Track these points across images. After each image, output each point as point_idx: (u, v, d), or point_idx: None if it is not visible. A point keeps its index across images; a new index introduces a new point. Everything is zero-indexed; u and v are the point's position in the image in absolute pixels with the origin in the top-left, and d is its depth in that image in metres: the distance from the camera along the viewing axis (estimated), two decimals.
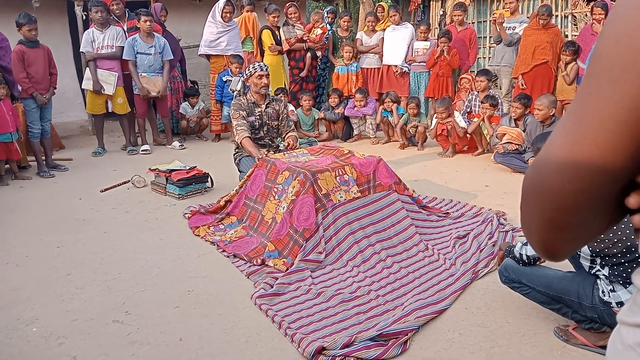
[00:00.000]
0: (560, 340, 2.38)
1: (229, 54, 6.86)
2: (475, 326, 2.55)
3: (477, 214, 3.94)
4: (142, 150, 6.44)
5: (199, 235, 3.75)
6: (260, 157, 4.04)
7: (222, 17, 6.82)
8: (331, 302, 2.78)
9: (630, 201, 0.59)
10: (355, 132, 6.95)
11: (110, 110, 6.41)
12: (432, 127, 6.07)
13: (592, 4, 6.62)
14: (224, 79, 6.76)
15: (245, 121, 4.42)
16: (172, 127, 7.14)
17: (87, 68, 6.28)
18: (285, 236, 3.39)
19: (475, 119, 5.78)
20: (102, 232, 3.88)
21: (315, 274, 3.12)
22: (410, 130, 6.40)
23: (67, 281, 3.11)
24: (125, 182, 5.04)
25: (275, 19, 7.33)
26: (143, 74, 6.30)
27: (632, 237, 2.06)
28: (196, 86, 7.72)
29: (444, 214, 3.98)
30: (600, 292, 2.17)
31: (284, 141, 4.63)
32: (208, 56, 7.11)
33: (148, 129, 6.83)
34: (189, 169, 4.77)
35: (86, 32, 6.31)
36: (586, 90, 0.58)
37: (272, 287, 2.94)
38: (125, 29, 6.57)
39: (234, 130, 4.49)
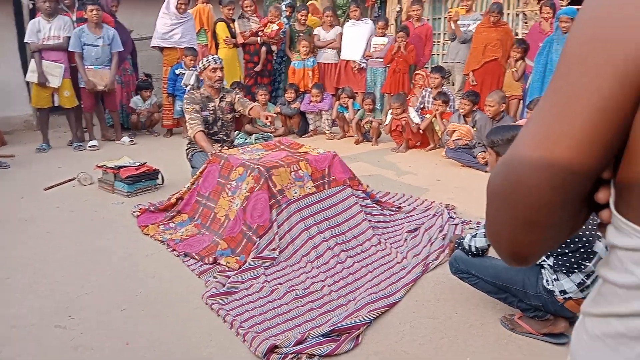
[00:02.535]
0: (507, 329, 2.45)
1: (182, 47, 6.69)
2: (425, 318, 2.59)
3: (428, 208, 4.01)
4: (90, 146, 6.20)
5: (148, 234, 3.64)
6: (214, 152, 3.96)
7: (176, 8, 6.63)
8: (284, 299, 2.76)
9: (600, 196, 0.59)
10: (311, 127, 6.94)
11: (56, 104, 6.13)
12: (386, 122, 6.12)
13: (541, 2, 6.83)
14: (177, 72, 6.60)
15: (198, 115, 4.33)
16: (121, 122, 6.91)
17: (32, 59, 5.99)
18: (238, 233, 3.34)
19: (428, 116, 5.87)
20: (45, 232, 3.71)
21: (268, 271, 3.08)
22: (365, 126, 6.44)
23: (6, 285, 2.95)
24: (70, 180, 4.84)
25: (231, 12, 7.20)
26: (90, 67, 6.06)
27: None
28: (150, 79, 7.50)
29: (397, 208, 4.02)
30: (544, 281, 2.24)
31: (251, 114, 4.56)
32: (161, 48, 6.92)
33: (96, 123, 6.58)
34: (138, 166, 4.63)
35: (32, 21, 6.00)
36: (559, 86, 0.58)
37: (224, 286, 2.89)
38: (74, 19, 6.30)
39: (187, 124, 4.38)
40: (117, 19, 6.75)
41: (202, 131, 4.25)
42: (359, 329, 2.44)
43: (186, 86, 6.07)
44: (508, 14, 8.26)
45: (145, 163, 4.72)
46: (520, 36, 7.46)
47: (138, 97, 6.97)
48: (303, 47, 7.10)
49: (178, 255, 3.32)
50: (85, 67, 6.04)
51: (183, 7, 6.67)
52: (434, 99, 5.84)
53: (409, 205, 4.12)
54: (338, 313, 2.62)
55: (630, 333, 0.57)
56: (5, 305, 2.73)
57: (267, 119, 4.42)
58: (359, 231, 3.50)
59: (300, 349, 2.31)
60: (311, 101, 6.73)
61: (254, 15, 7.40)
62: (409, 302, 2.74)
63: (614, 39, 0.53)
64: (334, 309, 2.68)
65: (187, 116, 4.36)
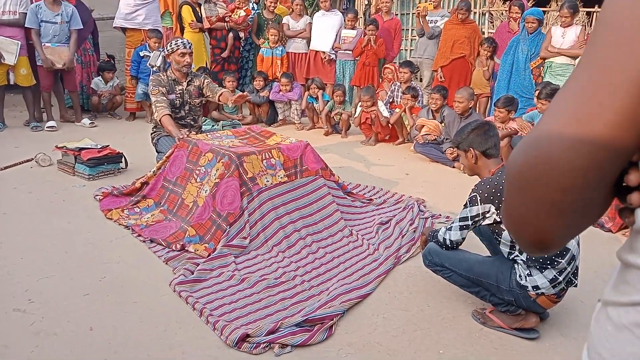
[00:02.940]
0: (478, 323, 2.48)
1: (147, 28, 6.47)
2: (398, 310, 2.60)
3: (398, 201, 4.02)
4: (48, 127, 5.93)
5: (111, 219, 3.50)
6: (181, 137, 3.83)
7: None
8: (255, 288, 2.71)
9: (631, 178, 0.57)
10: (280, 117, 6.86)
11: (12, 83, 5.82)
12: (356, 115, 6.12)
13: (508, 2, 6.96)
14: (141, 54, 6.37)
15: (165, 98, 4.18)
16: (81, 104, 6.64)
17: None
18: (207, 220, 3.25)
19: (397, 110, 5.90)
20: (1, 214, 3.51)
21: (238, 259, 3.02)
22: (334, 118, 6.42)
23: None
24: (28, 160, 4.61)
25: None
26: (47, 44, 5.78)
27: None
28: (113, 61, 7.22)
29: (368, 200, 4.02)
30: (517, 276, 2.27)
31: (221, 100, 4.44)
32: (124, 29, 6.68)
33: (54, 104, 6.29)
34: (100, 148, 4.45)
35: None
36: (590, 65, 0.56)
37: (192, 273, 2.81)
38: None
39: (153, 107, 4.23)
40: None
41: (169, 114, 4.11)
42: (332, 320, 2.42)
43: (152, 67, 5.88)
44: (475, 12, 8.39)
45: (108, 146, 4.54)
46: (486, 35, 7.59)
47: (99, 78, 6.71)
48: (272, 35, 6.99)
49: (144, 241, 3.21)
50: (43, 44, 5.75)
51: None
52: (404, 93, 5.87)
53: (380, 197, 4.13)
54: (310, 303, 2.59)
55: None
56: None
57: (237, 102, 4.31)
58: (331, 222, 3.47)
59: (273, 338, 2.27)
60: (280, 90, 6.64)
61: (221, 0, 7.24)
62: (381, 294, 2.74)
63: None
64: (307, 299, 2.65)
65: (152, 99, 4.22)
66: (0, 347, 2.14)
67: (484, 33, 7.99)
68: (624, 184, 0.58)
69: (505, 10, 7.31)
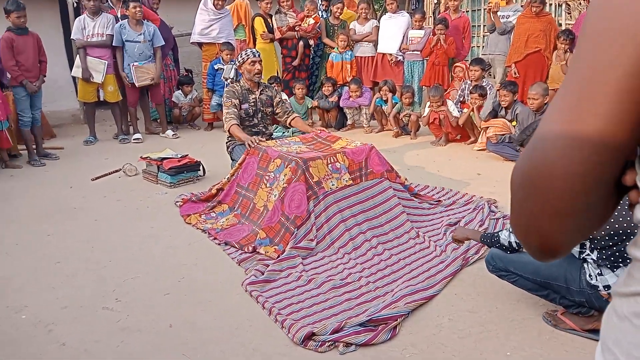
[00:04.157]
0: (549, 325, 2.40)
1: (220, 42, 6.81)
2: (464, 312, 2.57)
3: (468, 202, 3.95)
4: (134, 139, 6.41)
5: (190, 224, 3.74)
6: (251, 143, 3.98)
7: (213, 4, 6.76)
8: (322, 288, 2.79)
9: (627, 178, 0.58)
10: (349, 121, 6.93)
11: (101, 99, 6.36)
12: (424, 115, 6.06)
13: None
14: (216, 67, 6.72)
15: (235, 109, 4.39)
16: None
17: (78, 55, 6.22)
18: (276, 224, 3.38)
19: (466, 110, 5.77)
20: (92, 221, 3.87)
21: (306, 261, 3.12)
22: (403, 119, 6.39)
23: (57, 269, 3.10)
24: (116, 171, 5.02)
25: (268, 6, 7.27)
26: (135, 63, 6.25)
27: (621, 220, 2.07)
28: (191, 74, 7.66)
29: (436, 201, 3.99)
30: (587, 275, 2.18)
31: (292, 125, 4.66)
32: (200, 44, 7.06)
33: (140, 117, 6.78)
34: (180, 157, 4.75)
35: (77, 19, 6.24)
36: (581, 62, 0.56)
37: (263, 274, 2.94)
38: (119, 15, 6.51)
39: (223, 118, 4.46)
40: (158, 15, 6.92)
41: (236, 124, 4.30)
42: (397, 320, 2.44)
43: (226, 80, 6.18)
44: (550, 4, 8.01)
45: (187, 155, 4.83)
46: (564, 27, 7.23)
47: (179, 91, 7.14)
48: (341, 40, 7.10)
49: (219, 244, 3.40)
50: (133, 64, 6.23)
51: (220, 3, 6.79)
52: (471, 92, 5.74)
53: (449, 198, 4.08)
54: (375, 304, 2.63)
55: None
56: (56, 288, 2.86)
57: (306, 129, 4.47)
58: (397, 224, 3.49)
59: (337, 337, 2.33)
60: (350, 96, 6.72)
61: (291, 10, 7.45)
62: (447, 296, 2.72)
63: (633, 11, 0.52)
64: (371, 299, 2.69)
65: (224, 110, 4.44)
66: (90, 342, 2.37)
67: (560, 25, 7.62)
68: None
69: (583, 0, 6.92)
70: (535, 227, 0.59)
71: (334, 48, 7.26)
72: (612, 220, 2.07)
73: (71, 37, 6.34)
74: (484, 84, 5.91)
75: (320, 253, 3.21)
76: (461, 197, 4.10)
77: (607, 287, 2.14)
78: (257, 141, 4.03)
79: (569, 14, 8.08)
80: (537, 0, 6.17)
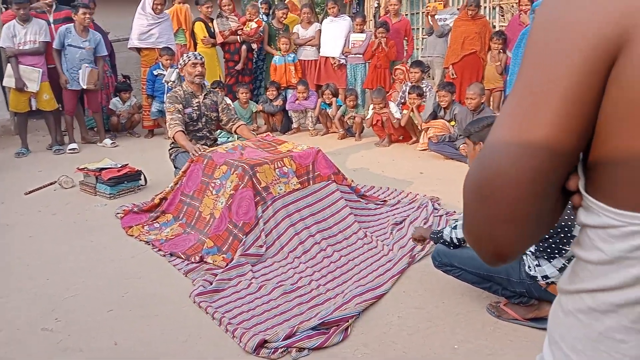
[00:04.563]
0: (493, 316, 2.49)
1: (160, 47, 6.64)
2: (413, 308, 2.62)
3: (412, 200, 4.04)
4: (70, 149, 6.12)
5: (132, 235, 3.61)
6: (195, 153, 3.91)
7: (152, 8, 6.59)
8: (273, 294, 2.77)
9: (570, 183, 0.60)
10: (295, 124, 6.94)
11: (34, 108, 6.04)
12: (368, 117, 6.16)
13: None
14: (155, 72, 6.55)
15: (179, 115, 4.29)
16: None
17: (9, 64, 5.88)
18: (224, 231, 3.33)
19: (406, 111, 5.91)
20: (27, 237, 3.66)
21: (255, 268, 3.08)
22: (347, 122, 6.47)
23: None
24: (51, 183, 4.78)
25: (209, 10, 7.17)
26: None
27: None
28: (129, 81, 7.43)
29: (382, 201, 4.05)
30: (526, 267, 2.28)
31: (237, 133, 4.60)
32: (138, 49, 6.86)
33: (76, 126, 6.50)
34: (120, 167, 4.59)
35: (6, 26, 5.88)
36: (530, 71, 0.58)
37: (211, 284, 2.88)
38: (51, 20, 6.22)
39: (167, 124, 4.35)
40: (93, 20, 6.67)
41: (182, 131, 4.22)
42: (348, 321, 2.45)
43: (167, 83, 6.04)
44: (485, 7, 8.35)
45: (127, 164, 4.68)
46: (497, 29, 7.55)
47: (117, 98, 6.91)
48: (283, 44, 7.10)
49: (164, 255, 3.30)
50: (68, 69, 5.97)
51: (159, 7, 6.62)
52: (409, 93, 5.89)
53: (394, 198, 4.16)
54: (326, 306, 2.63)
55: (599, 307, 0.59)
56: None
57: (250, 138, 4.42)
58: (345, 225, 3.51)
59: (289, 342, 2.32)
60: (297, 99, 6.72)
61: (233, 13, 7.38)
62: (396, 294, 2.77)
63: (577, 20, 0.54)
64: (323, 302, 2.69)
65: (167, 116, 4.34)
66: None
67: (495, 27, 7.95)
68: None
69: (516, 3, 7.25)
70: (487, 234, 0.61)
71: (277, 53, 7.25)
72: None
73: (0, 46, 5.99)
74: (423, 85, 6.07)
75: (270, 259, 3.19)
76: (405, 196, 4.19)
77: (545, 277, 2.24)
78: (202, 151, 3.96)
79: (502, 16, 8.45)
80: (472, 3, 6.41)
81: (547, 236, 2.21)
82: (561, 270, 2.22)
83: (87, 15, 5.94)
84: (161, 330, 2.49)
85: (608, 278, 0.58)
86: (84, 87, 6.03)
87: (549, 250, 2.22)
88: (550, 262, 2.23)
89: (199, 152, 3.89)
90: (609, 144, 0.56)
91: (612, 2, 0.53)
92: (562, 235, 2.18)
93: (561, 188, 0.61)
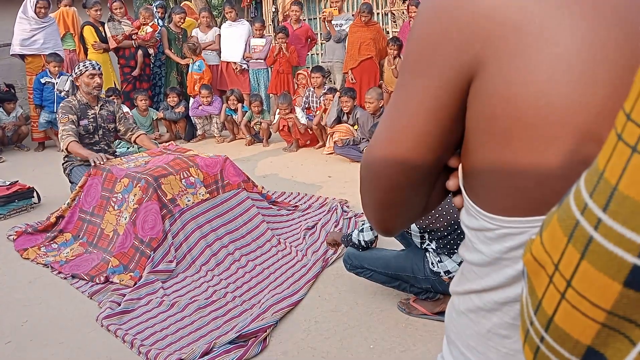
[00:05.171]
0: (404, 313, 2.62)
1: (47, 53, 6.18)
2: (328, 312, 2.69)
3: (323, 204, 4.13)
4: None
5: (28, 259, 3.35)
6: (97, 160, 3.67)
7: (35, 12, 6.12)
8: (186, 311, 2.70)
9: (450, 184, 0.66)
10: (199, 131, 6.78)
11: None
12: (274, 122, 6.18)
13: (407, 2, 7.29)
14: (43, 80, 6.09)
15: (73, 126, 4.02)
16: None
17: None
18: (130, 248, 3.19)
19: (318, 112, 6.00)
20: None
21: (166, 284, 2.99)
22: (254, 127, 6.44)
23: None
24: None
25: (98, 14, 6.81)
26: None
27: (452, 212, 2.34)
28: (12, 90, 6.83)
29: (293, 207, 4.09)
30: (430, 264, 2.43)
31: (137, 143, 4.41)
32: (22, 56, 6.34)
33: None
34: (9, 185, 4.22)
35: None
36: (400, 89, 0.63)
37: (119, 305, 2.75)
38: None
39: (59, 136, 4.06)
40: None
41: (75, 141, 3.95)
42: (266, 332, 2.46)
43: (60, 92, 5.65)
44: (378, 13, 8.70)
45: (17, 181, 4.32)
46: (391, 34, 7.91)
47: (0, 109, 6.32)
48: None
49: (65, 278, 3.10)
50: None
51: (43, 11, 6.17)
52: (325, 94, 6.00)
53: (305, 203, 4.22)
54: (243, 318, 2.62)
55: (485, 306, 0.64)
56: None
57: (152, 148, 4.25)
58: (258, 234, 3.51)
59: (207, 359, 2.28)
60: (200, 105, 6.56)
61: (125, 17, 7.05)
62: (312, 298, 2.82)
63: (440, 43, 0.58)
64: (239, 314, 2.68)
65: (60, 127, 4.05)
66: None
67: (388, 33, 8.31)
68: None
69: (405, 10, 7.64)
70: (372, 213, 0.72)
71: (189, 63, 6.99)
72: (445, 213, 2.33)
73: None
74: (325, 90, 6.20)
75: (182, 274, 3.10)
76: (316, 201, 4.27)
77: (447, 272, 2.41)
78: (103, 157, 3.74)
79: (394, 22, 8.86)
80: (365, 10, 6.66)
81: (446, 233, 2.38)
82: (460, 264, 2.39)
83: None
84: (67, 359, 2.34)
85: (490, 278, 0.62)
86: None
87: (448, 246, 2.38)
88: (450, 257, 2.40)
89: (103, 160, 3.68)
90: (477, 154, 0.60)
91: (469, 25, 0.56)
92: (460, 232, 2.35)
93: (432, 184, 0.68)
